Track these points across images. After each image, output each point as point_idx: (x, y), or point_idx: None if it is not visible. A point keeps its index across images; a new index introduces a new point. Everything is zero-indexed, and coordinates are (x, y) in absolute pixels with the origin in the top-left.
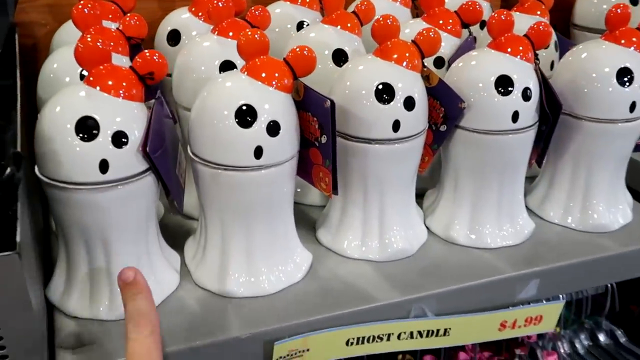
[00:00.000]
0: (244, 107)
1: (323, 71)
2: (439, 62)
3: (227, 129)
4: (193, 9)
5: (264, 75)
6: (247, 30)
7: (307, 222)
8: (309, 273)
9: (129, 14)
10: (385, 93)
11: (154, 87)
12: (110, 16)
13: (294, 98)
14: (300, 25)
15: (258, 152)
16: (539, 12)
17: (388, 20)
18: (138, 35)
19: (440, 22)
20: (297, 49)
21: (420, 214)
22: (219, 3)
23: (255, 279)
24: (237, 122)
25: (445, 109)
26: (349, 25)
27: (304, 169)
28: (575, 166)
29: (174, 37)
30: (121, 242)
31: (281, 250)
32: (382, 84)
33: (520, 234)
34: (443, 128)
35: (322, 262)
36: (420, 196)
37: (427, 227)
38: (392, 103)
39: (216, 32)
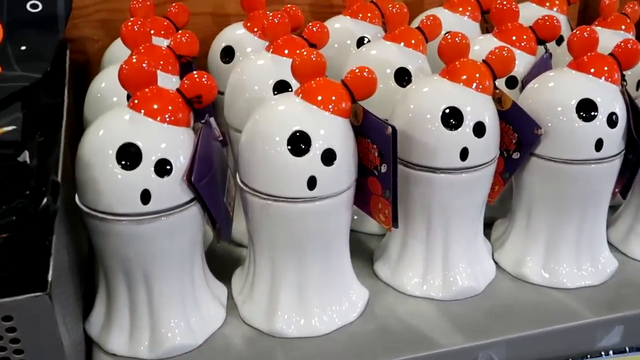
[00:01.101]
0: (298, 134)
1: (385, 91)
2: (512, 82)
3: (278, 157)
4: (248, 25)
5: (319, 98)
6: (303, 50)
7: (364, 252)
8: (365, 311)
9: (180, 31)
10: (452, 118)
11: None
12: (162, 32)
13: (353, 123)
14: (360, 41)
15: (311, 183)
16: (623, 27)
17: (457, 38)
18: (189, 54)
19: (514, 38)
20: (357, 70)
21: (488, 247)
22: (274, 19)
23: (307, 318)
24: (289, 150)
25: (519, 134)
26: (413, 42)
27: (362, 199)
28: None
29: (228, 54)
30: (164, 276)
31: (335, 287)
32: (450, 108)
33: (602, 274)
34: (516, 155)
35: (379, 298)
36: (488, 225)
37: (495, 262)
38: (460, 129)
39: (271, 50)
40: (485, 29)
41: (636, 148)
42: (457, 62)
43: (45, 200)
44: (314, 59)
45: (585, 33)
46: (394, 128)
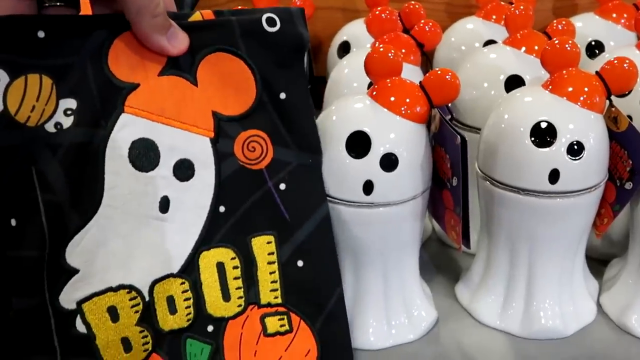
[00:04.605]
0: (359, 135)
1: (494, 100)
2: None
3: (338, 158)
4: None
5: (392, 99)
6: (379, 45)
7: (456, 271)
8: (428, 334)
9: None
10: (547, 134)
11: None
12: None
13: (432, 130)
14: (488, 45)
15: (368, 187)
16: None
17: (567, 45)
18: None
19: None
20: (439, 72)
21: (594, 288)
22: (382, 14)
23: (362, 329)
24: (348, 152)
25: (634, 161)
26: (536, 47)
27: (438, 213)
28: None
29: (346, 49)
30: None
31: (396, 301)
32: (543, 122)
33: None
34: (629, 186)
35: (451, 323)
36: (606, 263)
37: (600, 305)
38: (551, 147)
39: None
40: None
41: None
42: (564, 72)
43: None
44: (390, 57)
45: None
46: (463, 138)
